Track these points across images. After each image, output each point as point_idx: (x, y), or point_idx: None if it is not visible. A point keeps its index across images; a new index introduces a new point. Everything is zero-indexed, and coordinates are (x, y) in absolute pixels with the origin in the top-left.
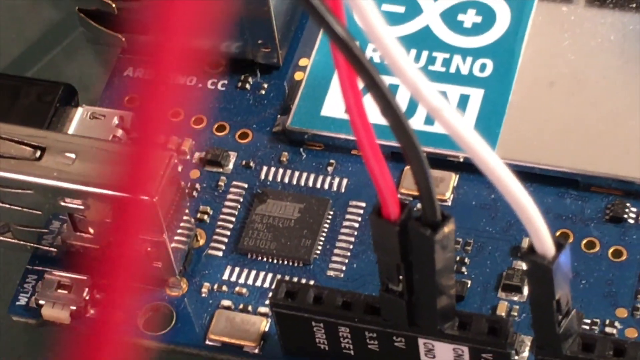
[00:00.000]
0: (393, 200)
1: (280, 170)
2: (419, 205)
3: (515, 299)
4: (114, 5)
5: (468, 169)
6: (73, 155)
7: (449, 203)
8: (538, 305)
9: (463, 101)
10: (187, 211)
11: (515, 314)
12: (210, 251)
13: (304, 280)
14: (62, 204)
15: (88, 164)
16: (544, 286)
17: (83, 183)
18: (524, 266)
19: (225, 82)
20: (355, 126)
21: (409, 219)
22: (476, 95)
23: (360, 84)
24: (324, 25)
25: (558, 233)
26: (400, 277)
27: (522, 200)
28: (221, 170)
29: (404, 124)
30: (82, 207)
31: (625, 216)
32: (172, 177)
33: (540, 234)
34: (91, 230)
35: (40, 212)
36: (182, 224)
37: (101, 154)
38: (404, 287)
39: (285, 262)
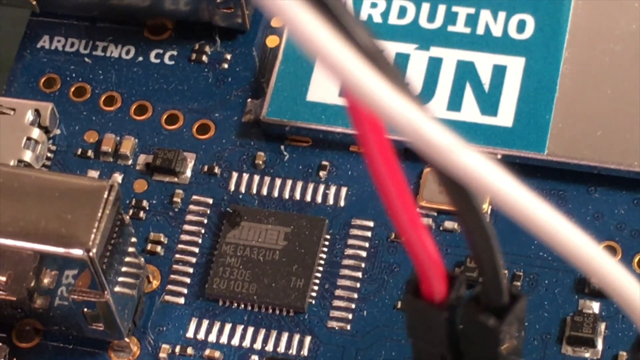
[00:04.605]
0: (439, 277)
1: (256, 178)
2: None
3: (587, 355)
4: None
5: (511, 169)
6: None
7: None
8: None
9: (498, 75)
10: (133, 249)
11: None
12: (167, 297)
13: (297, 337)
14: None
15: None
16: None
17: None
18: (596, 309)
19: (174, 53)
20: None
21: (459, 299)
22: (515, 66)
23: None
24: None
25: (637, 258)
26: None
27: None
28: (176, 179)
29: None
30: None
31: None
32: (112, 215)
33: None
34: (2, 278)
35: None
36: (126, 267)
37: (15, 186)
38: None
39: (271, 311)
